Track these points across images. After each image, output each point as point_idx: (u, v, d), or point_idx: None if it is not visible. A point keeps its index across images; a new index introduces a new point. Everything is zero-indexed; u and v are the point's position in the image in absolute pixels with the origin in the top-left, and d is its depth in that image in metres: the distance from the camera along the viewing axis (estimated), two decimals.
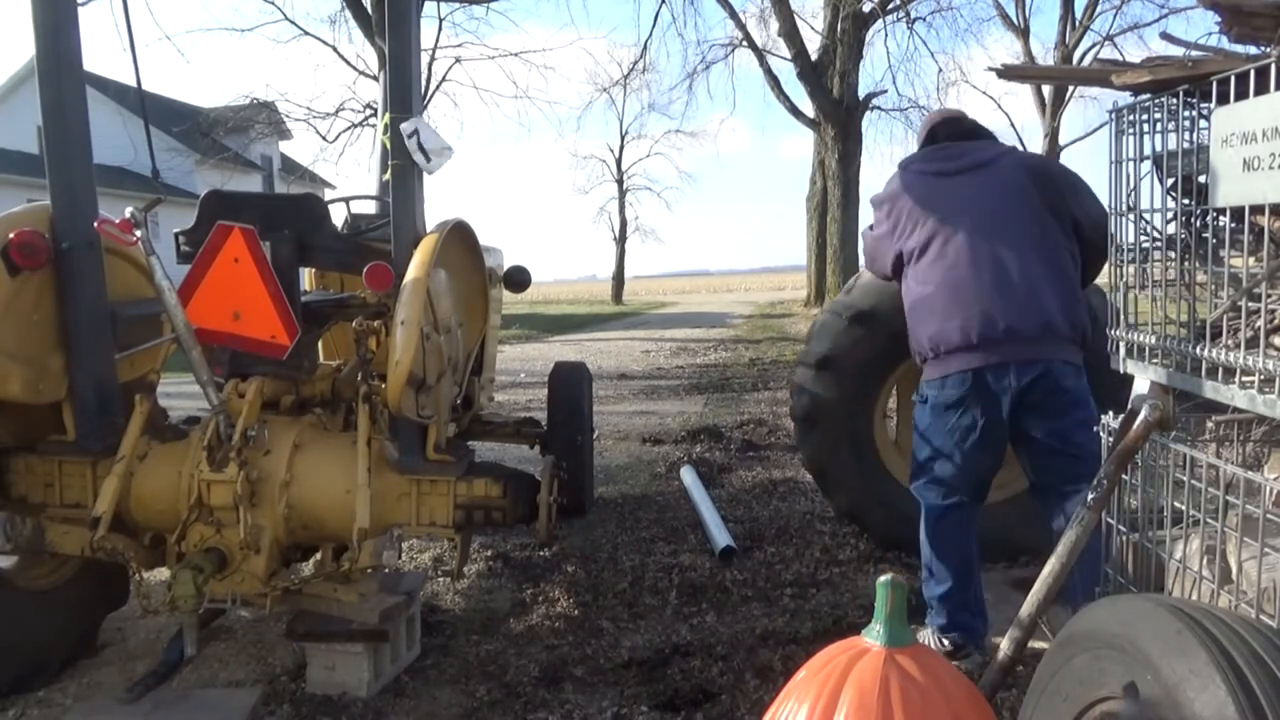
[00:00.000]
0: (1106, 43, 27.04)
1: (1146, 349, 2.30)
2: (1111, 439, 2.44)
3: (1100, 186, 2.45)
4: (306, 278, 4.23)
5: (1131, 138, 2.32)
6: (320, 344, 3.83)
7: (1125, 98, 2.34)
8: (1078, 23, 29.20)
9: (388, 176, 3.05)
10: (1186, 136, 2.20)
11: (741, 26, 20.64)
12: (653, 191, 61.79)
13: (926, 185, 3.07)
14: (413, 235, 2.96)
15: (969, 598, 3.03)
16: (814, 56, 18.71)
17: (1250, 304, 1.95)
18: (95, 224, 2.83)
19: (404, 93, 2.96)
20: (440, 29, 25.31)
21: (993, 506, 3.43)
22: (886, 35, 21.38)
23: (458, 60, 23.81)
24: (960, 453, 2.91)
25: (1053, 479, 2.85)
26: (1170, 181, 2.23)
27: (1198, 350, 2.02)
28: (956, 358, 2.85)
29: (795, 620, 3.36)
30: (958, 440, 2.91)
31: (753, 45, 20.64)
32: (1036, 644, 2.40)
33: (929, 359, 2.93)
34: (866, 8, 18.95)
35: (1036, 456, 2.88)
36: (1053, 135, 30.89)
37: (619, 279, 40.94)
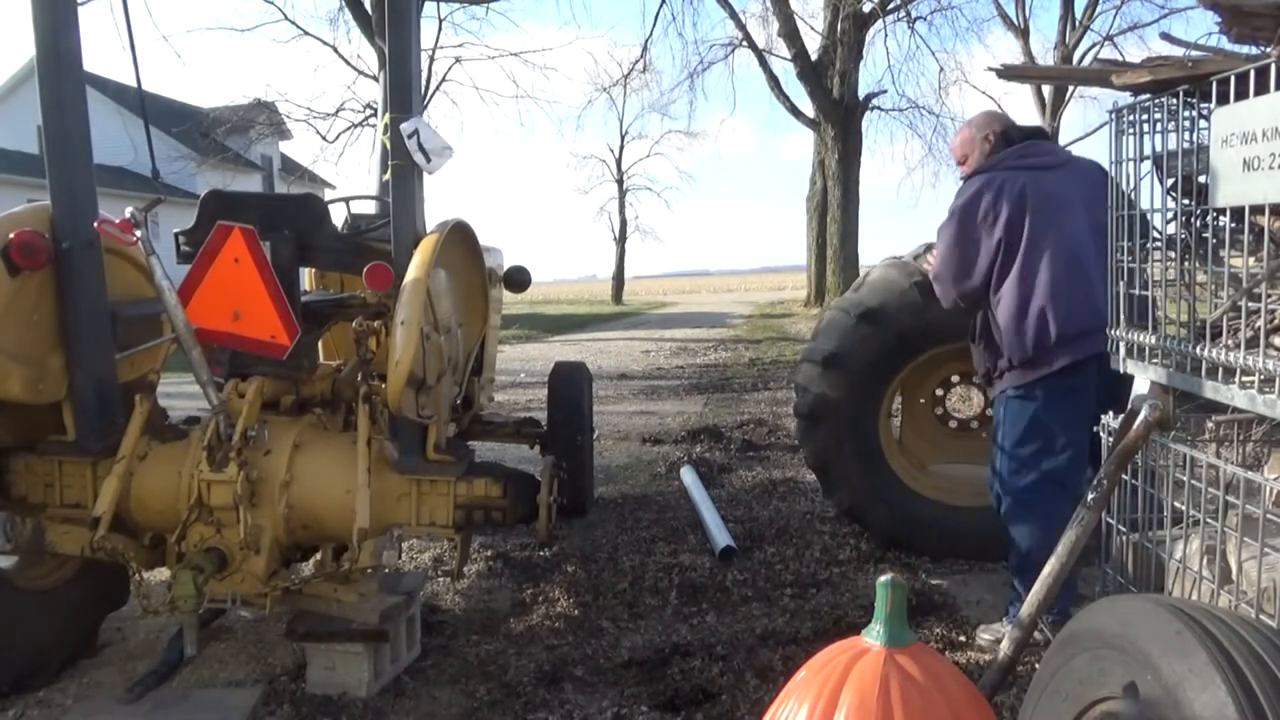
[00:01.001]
0: (1106, 43, 27.01)
1: (1146, 349, 2.30)
2: (1111, 439, 2.45)
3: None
4: (306, 278, 4.23)
5: (1131, 138, 2.32)
6: (320, 344, 3.83)
7: (1125, 98, 2.34)
8: (1078, 23, 29.19)
9: (388, 176, 3.05)
10: (1186, 136, 2.20)
11: (741, 26, 20.65)
12: (653, 191, 61.87)
13: (1032, 178, 3.07)
14: (413, 235, 2.96)
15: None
16: (814, 56, 18.71)
17: (1250, 304, 1.95)
18: (95, 224, 2.83)
19: (404, 93, 2.96)
20: (440, 29, 25.30)
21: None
22: (886, 35, 21.38)
23: (458, 60, 23.81)
24: (1082, 439, 2.97)
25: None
26: (1170, 181, 2.23)
27: (1198, 350, 2.02)
28: (1089, 340, 2.90)
29: (795, 620, 3.36)
30: (1083, 427, 2.94)
31: (753, 45, 20.65)
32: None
33: (1051, 345, 2.94)
34: (866, 8, 18.95)
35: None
36: (1053, 135, 30.88)
37: (619, 279, 40.94)
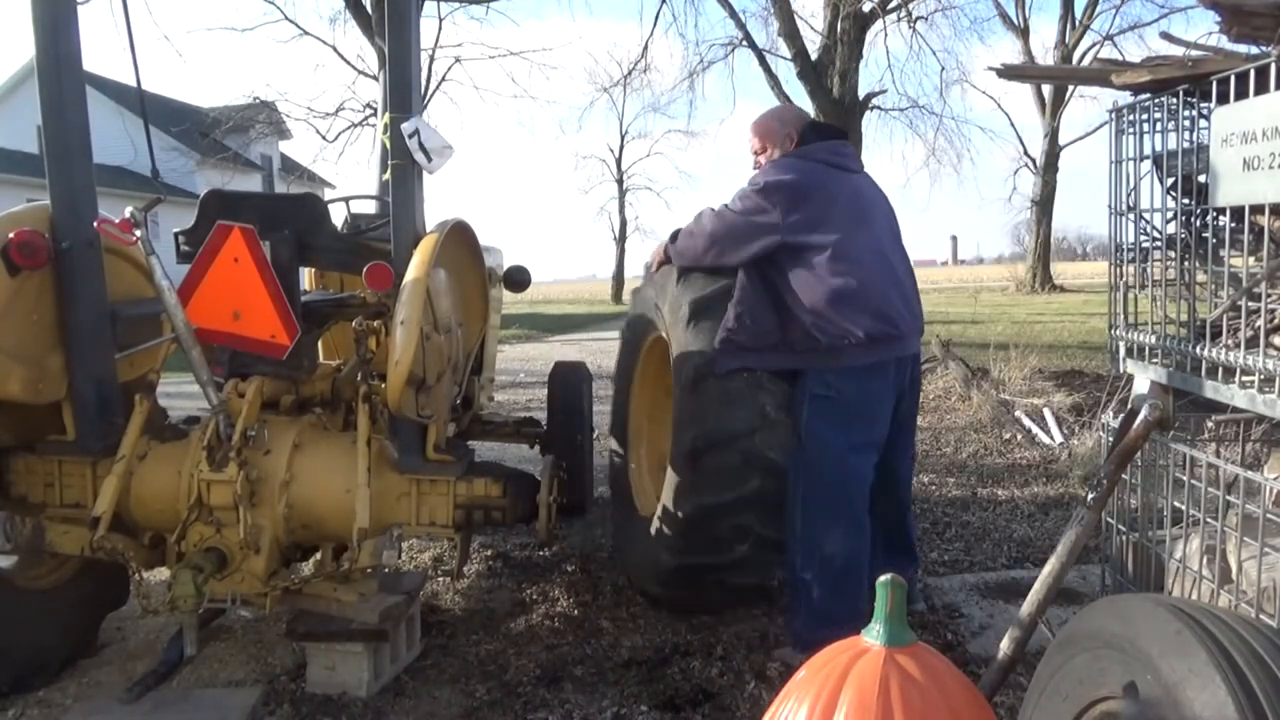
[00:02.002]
0: (1106, 42, 27.07)
1: (1146, 349, 2.30)
2: (1111, 439, 2.44)
3: (1100, 186, 2.45)
4: (306, 278, 4.23)
5: (1131, 137, 2.32)
6: (320, 344, 3.83)
7: (1125, 97, 2.34)
8: (1078, 22, 29.23)
9: (388, 176, 3.04)
10: (1186, 136, 2.20)
11: (741, 26, 20.60)
12: (653, 191, 61.86)
13: (836, 180, 3.06)
14: (413, 235, 2.96)
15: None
16: (814, 56, 18.67)
17: (1250, 303, 1.95)
18: (95, 224, 2.83)
19: (404, 92, 2.96)
20: (440, 29, 25.31)
21: None
22: (887, 35, 21.35)
23: (458, 60, 23.83)
24: (876, 441, 3.03)
25: (903, 456, 3.29)
26: (1170, 181, 2.23)
27: (1198, 350, 2.01)
28: (885, 345, 2.96)
29: None
30: (878, 426, 3.03)
31: (753, 45, 20.60)
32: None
33: (847, 346, 2.90)
34: (867, 7, 18.91)
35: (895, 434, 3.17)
36: (1053, 135, 30.91)
37: (619, 279, 40.91)
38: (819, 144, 3.16)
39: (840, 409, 2.93)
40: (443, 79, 23.50)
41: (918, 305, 3.18)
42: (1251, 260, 2.03)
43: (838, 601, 2.87)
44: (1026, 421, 6.92)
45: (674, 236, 3.27)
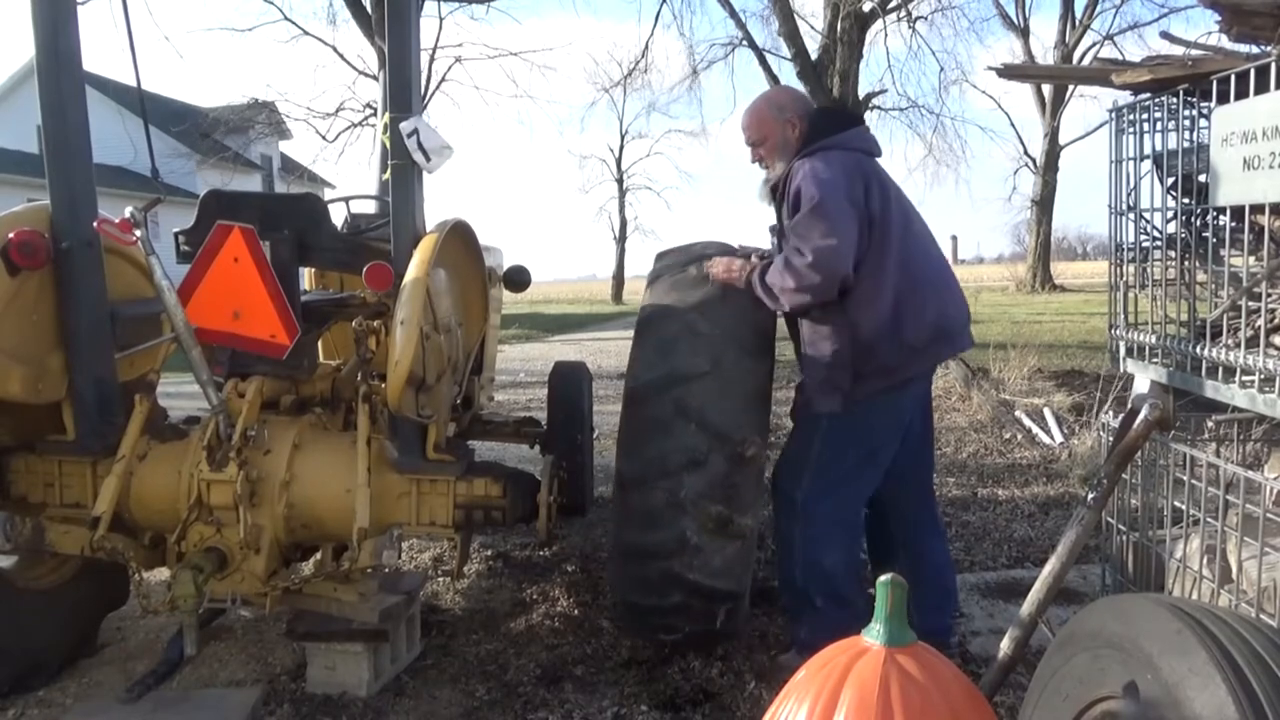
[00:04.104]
0: (1106, 42, 27.09)
1: (1146, 348, 2.30)
2: (1111, 439, 2.44)
3: (1100, 186, 2.45)
4: (306, 278, 4.23)
5: (1131, 137, 2.32)
6: (320, 344, 3.83)
7: (1125, 97, 2.34)
8: (1078, 22, 29.24)
9: (388, 176, 3.04)
10: (1186, 135, 2.20)
11: (742, 26, 20.62)
12: (653, 191, 61.79)
13: (874, 167, 2.83)
14: (413, 235, 2.96)
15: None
16: (814, 56, 18.68)
17: (1250, 303, 1.95)
18: (95, 224, 2.83)
19: (404, 93, 2.96)
20: (440, 29, 25.30)
21: None
22: (886, 35, 21.37)
23: (458, 60, 23.84)
24: (885, 461, 2.87)
25: (925, 470, 3.16)
26: (1170, 181, 2.23)
27: (1198, 350, 2.01)
28: (955, 340, 2.84)
29: None
30: (895, 438, 2.87)
31: (753, 44, 20.62)
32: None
33: (921, 349, 2.74)
34: (866, 7, 18.93)
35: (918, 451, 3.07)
36: (1053, 134, 30.93)
37: (619, 278, 40.92)
38: (852, 131, 2.86)
39: (864, 422, 2.78)
40: (443, 79, 23.54)
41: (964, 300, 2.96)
42: (1251, 260, 2.03)
43: (839, 609, 2.79)
44: (1026, 421, 6.93)
45: (762, 279, 2.76)
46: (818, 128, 2.85)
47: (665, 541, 2.70)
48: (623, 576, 2.88)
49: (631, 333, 2.98)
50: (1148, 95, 2.23)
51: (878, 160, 2.89)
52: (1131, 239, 2.36)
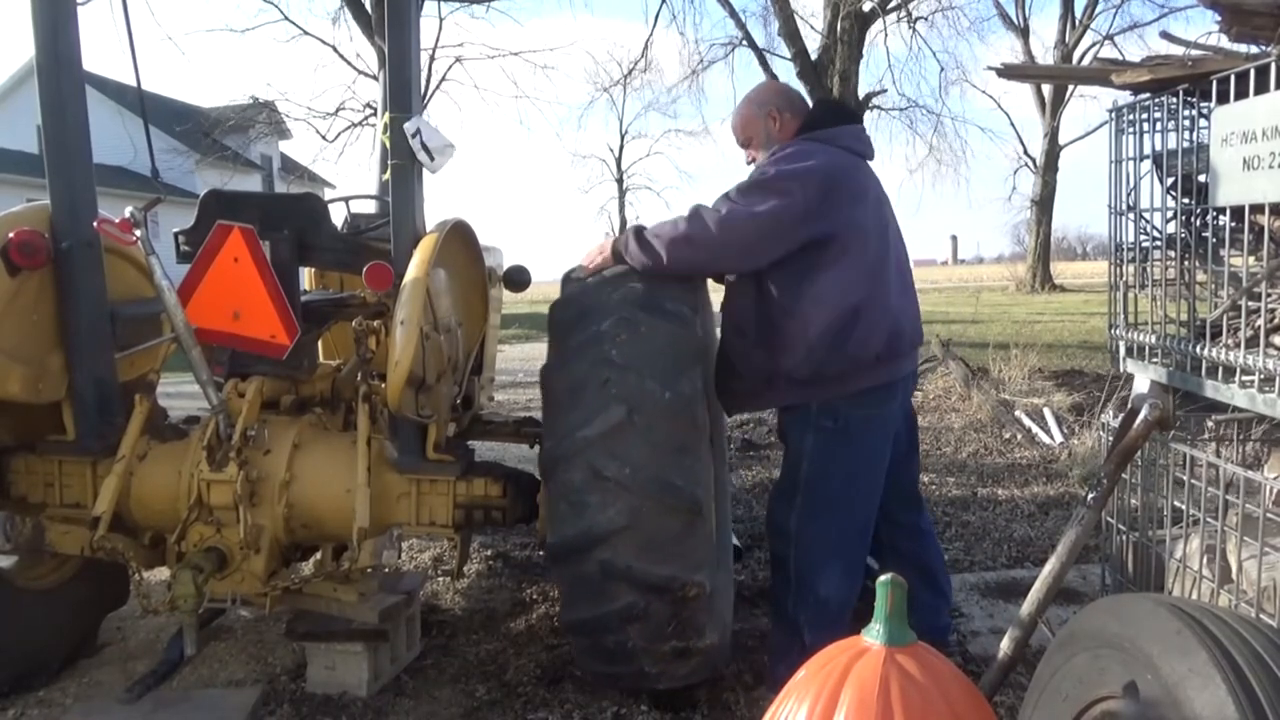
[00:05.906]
0: (1106, 42, 27.09)
1: (1146, 348, 2.30)
2: (1111, 439, 2.45)
3: (1100, 186, 2.45)
4: (306, 277, 4.23)
5: (1131, 137, 2.32)
6: (320, 344, 3.83)
7: (1125, 97, 2.34)
8: (1078, 22, 29.25)
9: (388, 176, 3.04)
10: (1186, 135, 2.20)
11: (742, 26, 20.64)
12: (653, 191, 61.95)
13: (864, 174, 2.74)
14: (413, 235, 2.96)
15: None
16: (814, 56, 18.69)
17: (1250, 303, 1.95)
18: (95, 224, 2.83)
19: (404, 92, 2.96)
20: (440, 29, 25.30)
21: None
22: (886, 35, 21.39)
23: (458, 60, 23.83)
24: (881, 473, 2.78)
25: (911, 476, 3.15)
26: (1170, 181, 2.23)
27: (1198, 349, 2.01)
28: (895, 365, 2.73)
29: None
30: (883, 457, 2.77)
31: (753, 44, 20.64)
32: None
33: (860, 370, 2.62)
34: (867, 7, 18.93)
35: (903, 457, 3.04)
36: (1053, 134, 30.94)
37: None
38: (845, 128, 2.76)
39: (850, 439, 2.66)
40: (443, 79, 23.53)
41: (919, 316, 2.91)
42: (1251, 260, 2.03)
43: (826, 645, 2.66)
44: (1026, 421, 6.92)
45: (638, 234, 2.66)
46: (814, 118, 2.82)
47: (624, 675, 2.61)
48: (565, 591, 2.62)
49: None
50: (1148, 95, 2.23)
51: (868, 163, 2.81)
52: (1131, 239, 2.36)
